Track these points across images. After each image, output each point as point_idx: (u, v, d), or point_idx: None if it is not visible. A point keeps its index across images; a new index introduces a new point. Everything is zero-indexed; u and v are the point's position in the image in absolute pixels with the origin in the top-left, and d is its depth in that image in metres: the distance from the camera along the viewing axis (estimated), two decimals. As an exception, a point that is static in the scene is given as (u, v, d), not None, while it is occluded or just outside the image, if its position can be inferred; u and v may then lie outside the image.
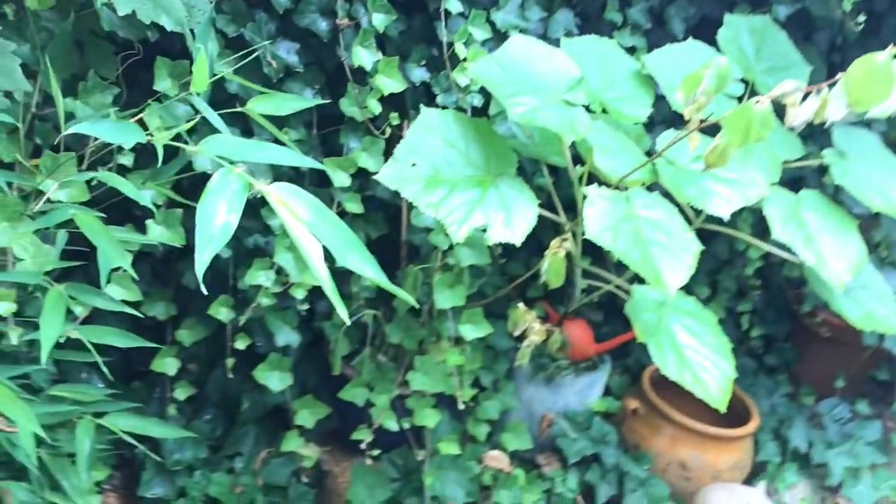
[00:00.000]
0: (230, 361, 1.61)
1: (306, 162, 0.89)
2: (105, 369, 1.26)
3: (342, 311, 0.75)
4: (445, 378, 1.66)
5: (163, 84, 1.38)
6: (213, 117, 1.14)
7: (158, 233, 1.47)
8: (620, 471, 1.81)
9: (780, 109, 1.28)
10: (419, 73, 1.62)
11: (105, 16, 1.24)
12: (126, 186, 1.05)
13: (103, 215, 1.13)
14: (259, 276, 1.54)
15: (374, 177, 1.29)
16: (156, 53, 1.38)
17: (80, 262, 1.15)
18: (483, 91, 1.63)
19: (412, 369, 1.66)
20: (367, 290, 1.72)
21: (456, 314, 1.64)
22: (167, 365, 1.66)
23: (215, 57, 1.39)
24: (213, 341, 1.73)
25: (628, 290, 1.57)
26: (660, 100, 1.62)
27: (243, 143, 0.85)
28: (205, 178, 0.85)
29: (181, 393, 1.69)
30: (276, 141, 1.34)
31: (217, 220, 0.72)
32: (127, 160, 1.36)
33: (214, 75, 1.26)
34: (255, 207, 1.57)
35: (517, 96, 1.37)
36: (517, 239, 1.35)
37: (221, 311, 1.60)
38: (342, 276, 1.71)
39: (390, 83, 1.51)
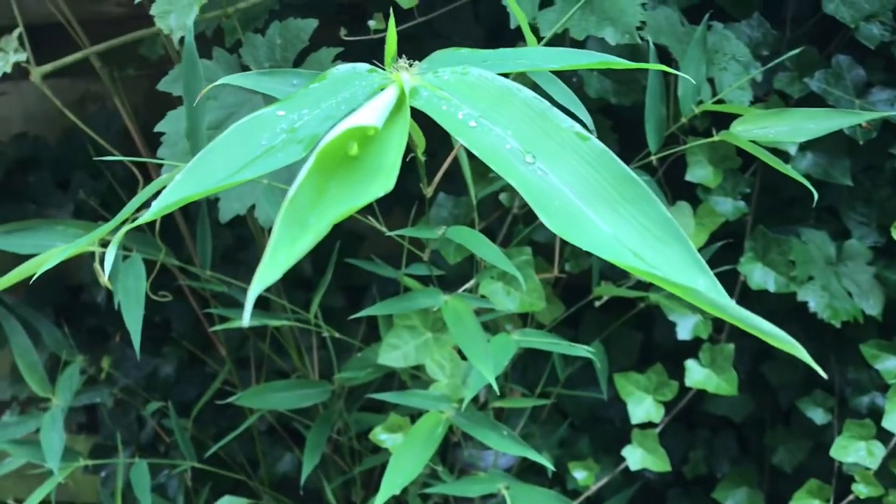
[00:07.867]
0: (822, 586, 1.02)
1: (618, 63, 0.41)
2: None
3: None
4: None
5: (699, 172, 1.02)
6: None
7: (702, 377, 1.05)
8: None
9: None
10: None
11: (592, 83, 0.96)
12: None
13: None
14: (855, 449, 0.97)
15: None
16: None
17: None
18: None
19: None
20: None
21: None
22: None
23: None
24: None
25: None
26: None
27: (482, 55, 0.43)
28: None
29: None
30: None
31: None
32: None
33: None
34: (855, 347, 1.02)
35: None
36: None
37: None
38: None
39: None
